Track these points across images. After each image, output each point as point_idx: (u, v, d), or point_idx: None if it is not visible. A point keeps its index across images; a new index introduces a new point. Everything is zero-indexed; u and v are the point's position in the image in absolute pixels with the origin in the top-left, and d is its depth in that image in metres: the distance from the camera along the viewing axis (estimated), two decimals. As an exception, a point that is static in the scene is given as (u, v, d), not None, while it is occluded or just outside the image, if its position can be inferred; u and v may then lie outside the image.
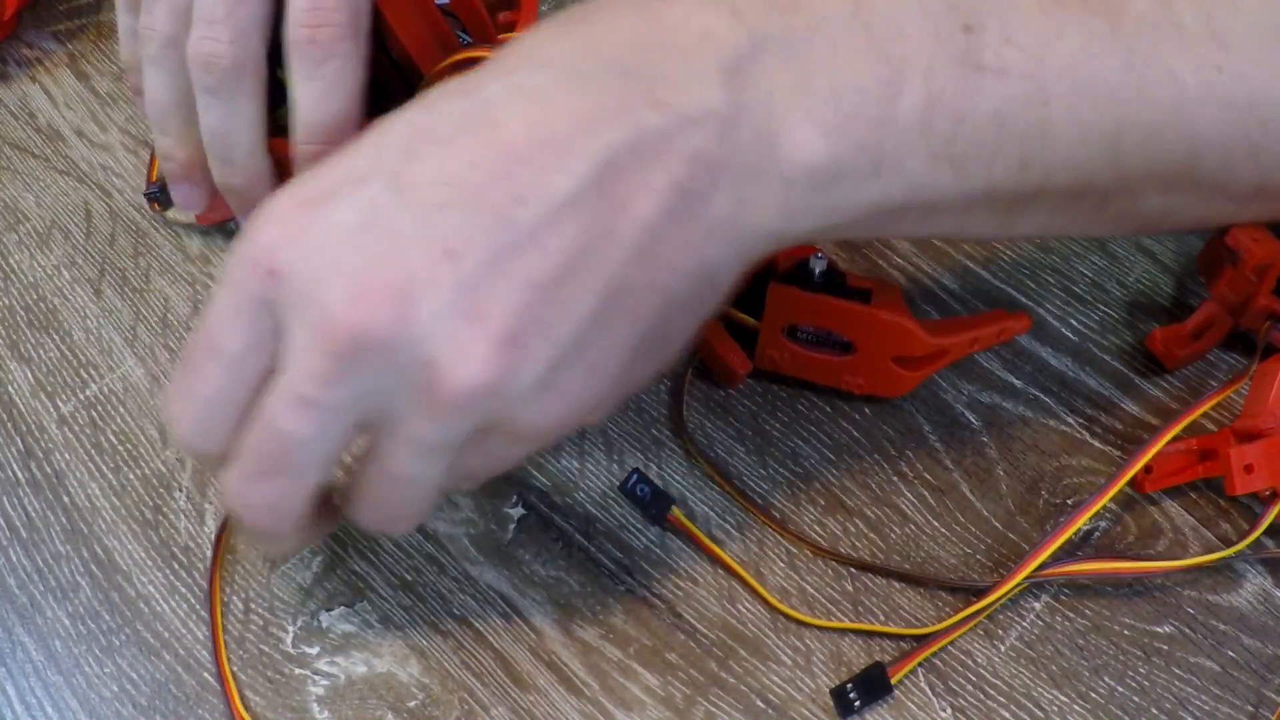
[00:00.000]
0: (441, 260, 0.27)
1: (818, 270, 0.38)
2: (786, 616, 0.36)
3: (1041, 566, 0.36)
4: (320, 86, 0.37)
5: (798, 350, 0.39)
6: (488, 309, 0.27)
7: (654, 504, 0.38)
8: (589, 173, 0.27)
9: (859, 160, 0.28)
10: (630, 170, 0.27)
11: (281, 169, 0.40)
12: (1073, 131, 0.29)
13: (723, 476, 0.39)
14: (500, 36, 0.43)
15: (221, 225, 0.48)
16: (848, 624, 0.36)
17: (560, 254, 0.27)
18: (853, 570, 0.37)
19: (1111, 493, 0.36)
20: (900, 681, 0.35)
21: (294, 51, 0.37)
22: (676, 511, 0.38)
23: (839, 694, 0.34)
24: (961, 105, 0.28)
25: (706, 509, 0.39)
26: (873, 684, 0.34)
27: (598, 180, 0.27)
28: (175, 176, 0.42)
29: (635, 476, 0.38)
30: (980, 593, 0.36)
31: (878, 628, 0.36)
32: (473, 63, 0.41)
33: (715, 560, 0.38)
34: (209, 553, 0.39)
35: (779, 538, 0.38)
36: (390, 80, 0.41)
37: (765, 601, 0.37)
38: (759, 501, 0.39)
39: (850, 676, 0.35)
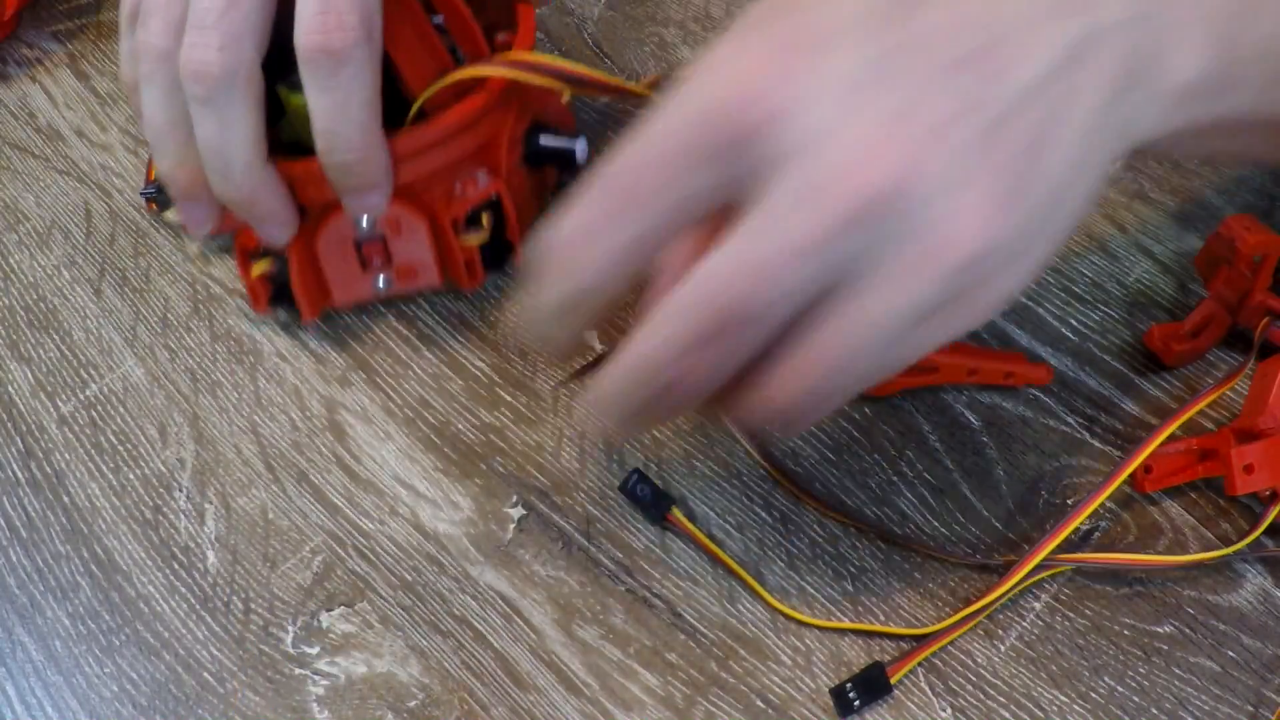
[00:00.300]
0: (947, 123, 0.27)
1: None
2: (786, 616, 0.36)
3: (1042, 565, 0.36)
4: (337, 96, 0.37)
5: None
6: (982, 175, 0.27)
7: (654, 504, 0.38)
8: (1057, 57, 0.28)
9: (1218, 79, 0.30)
10: (1082, 61, 0.28)
11: (290, 187, 0.40)
12: None
13: (777, 470, 0.39)
14: (497, 56, 0.43)
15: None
16: (848, 624, 0.36)
17: (1034, 128, 0.28)
18: (852, 570, 0.37)
19: (1110, 490, 0.36)
20: (900, 681, 0.35)
21: (306, 61, 0.36)
22: (676, 512, 0.38)
23: (838, 694, 0.34)
24: None
25: (706, 509, 0.39)
26: (872, 684, 0.34)
27: (1062, 65, 0.28)
28: (180, 198, 0.41)
29: (635, 476, 0.38)
30: (991, 571, 0.36)
31: (878, 628, 0.36)
32: (469, 84, 0.41)
33: (715, 560, 0.38)
34: (209, 553, 0.39)
35: (779, 537, 0.38)
36: (384, 93, 0.41)
37: (765, 602, 0.37)
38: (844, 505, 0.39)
39: (850, 676, 0.35)
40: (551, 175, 0.47)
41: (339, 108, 0.37)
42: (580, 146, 0.44)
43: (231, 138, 0.38)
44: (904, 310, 0.28)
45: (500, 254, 0.44)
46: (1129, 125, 0.30)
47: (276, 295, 0.43)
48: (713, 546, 0.38)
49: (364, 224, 0.41)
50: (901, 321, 0.28)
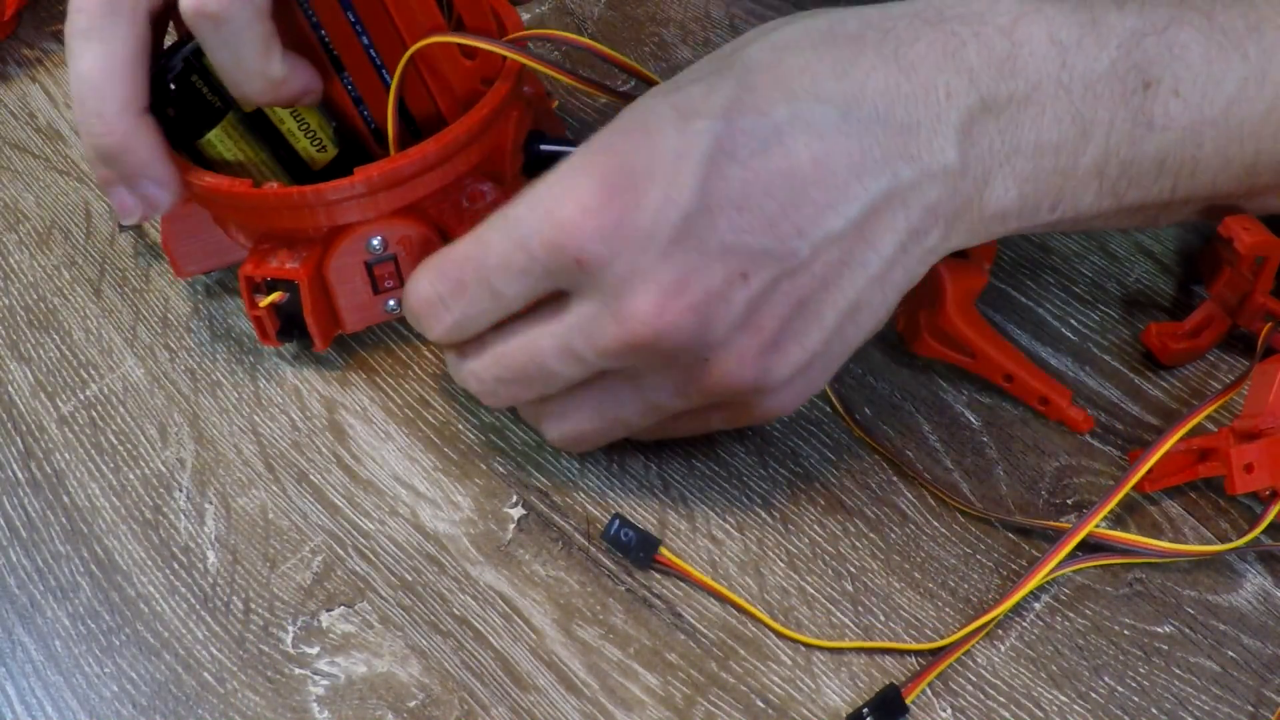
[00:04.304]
0: (738, 281, 0.31)
1: None
2: (792, 640, 0.36)
3: (1048, 570, 0.36)
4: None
5: None
6: (762, 323, 0.32)
7: (640, 547, 0.37)
8: (855, 215, 0.32)
9: (1043, 202, 0.34)
10: (882, 213, 0.32)
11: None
12: (1217, 163, 0.35)
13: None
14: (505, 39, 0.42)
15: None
16: (856, 643, 0.36)
17: (820, 279, 0.32)
18: (852, 570, 0.37)
19: (1117, 498, 0.36)
20: (901, 683, 0.35)
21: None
22: (665, 551, 0.37)
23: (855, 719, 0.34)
24: (1132, 153, 0.34)
25: (706, 509, 0.39)
26: (888, 705, 0.34)
27: (859, 221, 0.32)
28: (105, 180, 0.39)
29: (617, 523, 0.37)
30: (1031, 534, 0.36)
31: (885, 645, 0.35)
32: (476, 92, 0.40)
33: (715, 560, 0.38)
34: (209, 553, 0.39)
35: (779, 537, 0.38)
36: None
37: (768, 628, 0.36)
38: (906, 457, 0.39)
39: (851, 679, 0.35)
40: None
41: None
42: None
43: (110, 68, 0.36)
44: (659, 406, 0.35)
45: None
46: (940, 249, 0.34)
47: (285, 327, 0.42)
48: (709, 581, 0.37)
49: (376, 245, 0.40)
50: (655, 410, 0.36)
